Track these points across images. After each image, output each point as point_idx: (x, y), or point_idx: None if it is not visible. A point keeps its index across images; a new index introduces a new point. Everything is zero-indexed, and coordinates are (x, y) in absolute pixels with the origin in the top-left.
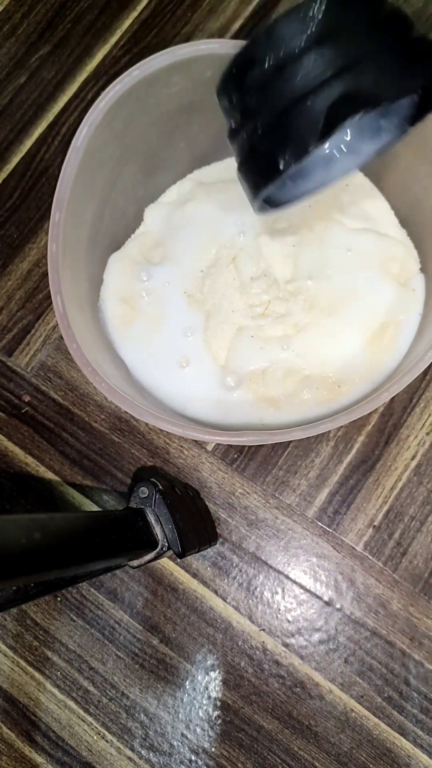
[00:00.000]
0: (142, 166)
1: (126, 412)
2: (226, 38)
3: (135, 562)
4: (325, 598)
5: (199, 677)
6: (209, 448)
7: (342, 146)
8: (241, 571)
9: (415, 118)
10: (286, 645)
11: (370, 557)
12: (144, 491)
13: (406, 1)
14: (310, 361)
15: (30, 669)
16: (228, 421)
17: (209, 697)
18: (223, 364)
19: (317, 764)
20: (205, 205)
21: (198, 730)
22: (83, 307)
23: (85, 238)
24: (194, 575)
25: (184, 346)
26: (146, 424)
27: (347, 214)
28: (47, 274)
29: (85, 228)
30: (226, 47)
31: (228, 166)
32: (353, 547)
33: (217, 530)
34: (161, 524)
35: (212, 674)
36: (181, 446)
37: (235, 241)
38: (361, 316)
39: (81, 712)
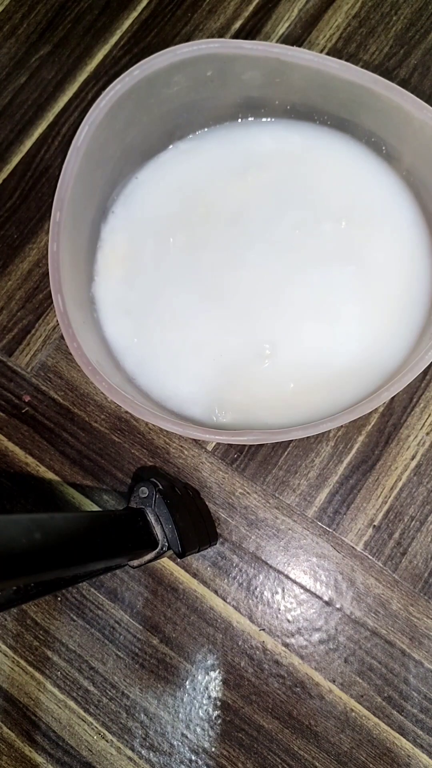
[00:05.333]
0: (142, 165)
1: (126, 412)
2: (227, 38)
3: (135, 562)
4: (325, 598)
5: (199, 677)
6: (209, 448)
7: None
8: (241, 571)
9: None
10: (286, 645)
11: (370, 557)
12: (144, 491)
13: (406, 1)
14: (311, 360)
15: (30, 669)
16: (228, 420)
17: (209, 697)
18: (223, 362)
19: (317, 764)
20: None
21: (198, 729)
22: (83, 307)
23: (86, 238)
24: (194, 575)
25: (183, 344)
26: (146, 424)
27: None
28: (47, 274)
29: (85, 228)
30: (227, 47)
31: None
32: (353, 547)
33: (217, 530)
34: (161, 524)
35: (212, 674)
36: (181, 446)
37: (241, 238)
38: (361, 314)
39: (81, 711)
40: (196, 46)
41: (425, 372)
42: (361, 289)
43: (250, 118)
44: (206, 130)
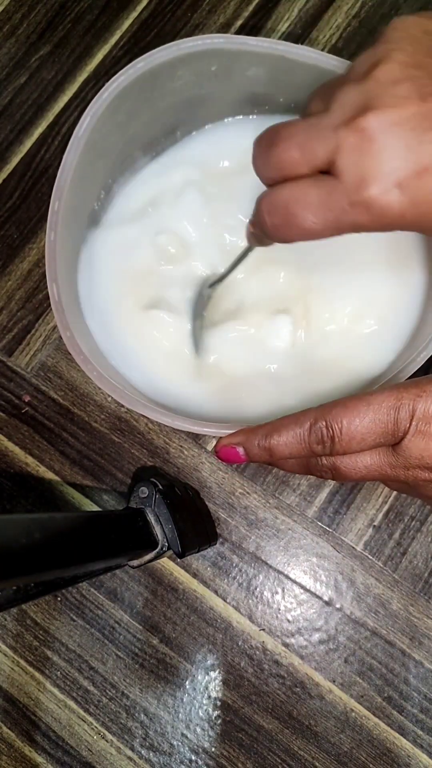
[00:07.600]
0: (144, 158)
1: (126, 412)
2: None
3: (135, 562)
4: (325, 598)
5: (199, 677)
6: (209, 447)
7: None
8: (241, 571)
9: None
10: (286, 645)
11: (370, 557)
12: (144, 491)
13: (406, 2)
14: (309, 359)
15: (30, 669)
16: (223, 415)
17: (209, 697)
18: (219, 358)
19: (317, 764)
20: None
21: (198, 729)
22: (79, 297)
23: (84, 229)
24: (194, 575)
25: (178, 337)
26: (146, 423)
27: None
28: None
29: (84, 218)
30: (232, 43)
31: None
32: (353, 547)
33: (217, 530)
34: (161, 524)
35: (212, 674)
36: (181, 446)
37: (239, 233)
38: (352, 316)
39: (81, 711)
40: (200, 40)
41: (424, 372)
42: (353, 291)
43: (254, 115)
44: (209, 125)
